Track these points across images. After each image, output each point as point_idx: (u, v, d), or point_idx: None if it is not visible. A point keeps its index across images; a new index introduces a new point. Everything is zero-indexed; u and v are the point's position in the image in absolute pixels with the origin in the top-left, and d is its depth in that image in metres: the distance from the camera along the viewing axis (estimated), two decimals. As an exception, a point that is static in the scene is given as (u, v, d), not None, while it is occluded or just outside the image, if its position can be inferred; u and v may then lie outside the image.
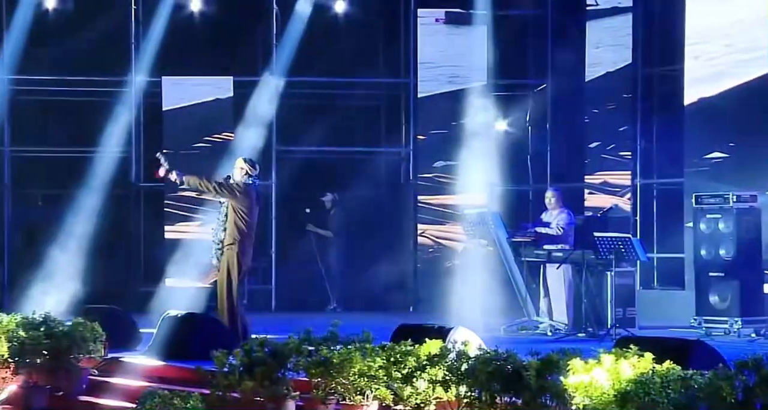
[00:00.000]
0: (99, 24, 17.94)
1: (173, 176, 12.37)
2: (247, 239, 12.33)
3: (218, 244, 12.27)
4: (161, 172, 12.42)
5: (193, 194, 18.15)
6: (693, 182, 16.03)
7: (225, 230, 12.27)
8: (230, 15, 18.58)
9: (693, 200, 14.74)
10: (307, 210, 18.54)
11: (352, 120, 18.62)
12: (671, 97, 17.03)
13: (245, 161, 12.55)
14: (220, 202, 12.49)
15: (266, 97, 18.37)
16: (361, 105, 19.08)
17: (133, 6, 18.58)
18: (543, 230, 14.74)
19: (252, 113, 18.23)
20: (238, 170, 12.46)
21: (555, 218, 14.80)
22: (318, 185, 18.63)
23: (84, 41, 17.84)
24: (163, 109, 18.58)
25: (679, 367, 7.66)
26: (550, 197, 15.05)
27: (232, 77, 18.55)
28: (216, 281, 12.45)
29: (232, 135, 18.36)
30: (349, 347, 9.07)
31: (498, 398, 8.08)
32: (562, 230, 14.58)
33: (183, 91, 18.64)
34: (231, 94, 18.56)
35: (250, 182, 12.44)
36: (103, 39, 18.17)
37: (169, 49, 18.30)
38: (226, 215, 12.31)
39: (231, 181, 12.37)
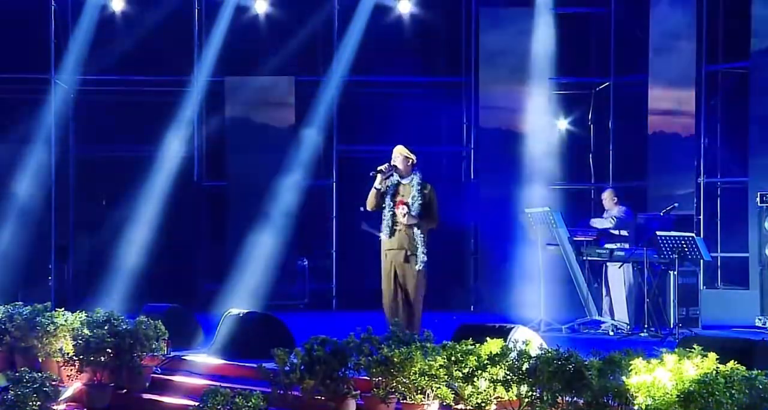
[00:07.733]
0: (162, 25, 18.09)
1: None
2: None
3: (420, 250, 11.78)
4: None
5: (254, 192, 18.26)
6: (757, 181, 15.86)
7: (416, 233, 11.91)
8: (292, 15, 18.65)
9: (758, 199, 14.58)
10: (362, 209, 18.45)
11: (412, 119, 18.57)
12: (736, 94, 16.84)
13: (408, 148, 12.03)
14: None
15: (327, 97, 18.43)
16: (421, 104, 19.05)
17: (196, 7, 18.71)
18: (596, 222, 14.72)
19: (313, 112, 18.29)
20: (402, 160, 11.93)
21: (612, 215, 14.76)
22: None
23: (147, 42, 18.00)
24: (226, 108, 18.67)
25: (744, 367, 7.58)
26: (604, 196, 15.06)
27: (294, 77, 18.59)
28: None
29: (294, 135, 18.43)
30: (410, 346, 9.07)
31: (559, 397, 8.05)
32: (615, 220, 14.52)
33: (245, 91, 18.68)
34: (293, 94, 18.59)
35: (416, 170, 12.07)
36: (167, 40, 18.32)
37: (232, 50, 18.42)
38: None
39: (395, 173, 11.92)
